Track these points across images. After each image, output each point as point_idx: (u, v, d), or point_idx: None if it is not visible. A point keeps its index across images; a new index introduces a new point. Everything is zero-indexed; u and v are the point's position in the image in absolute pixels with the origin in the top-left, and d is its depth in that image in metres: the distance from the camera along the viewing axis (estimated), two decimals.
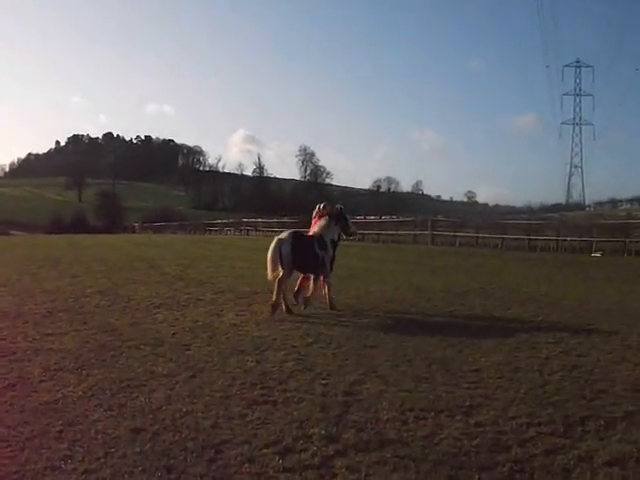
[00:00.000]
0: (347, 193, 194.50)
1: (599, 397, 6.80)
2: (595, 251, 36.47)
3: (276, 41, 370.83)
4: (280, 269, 12.21)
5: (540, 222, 49.36)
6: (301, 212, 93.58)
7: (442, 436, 5.57)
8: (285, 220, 73.17)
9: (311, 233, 13.18)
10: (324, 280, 13.03)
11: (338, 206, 13.70)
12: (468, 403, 6.52)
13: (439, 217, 61.35)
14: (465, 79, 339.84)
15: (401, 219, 61.60)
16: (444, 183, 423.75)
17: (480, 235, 46.68)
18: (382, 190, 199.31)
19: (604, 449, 5.30)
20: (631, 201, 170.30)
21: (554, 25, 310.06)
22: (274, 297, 12.07)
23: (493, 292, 15.88)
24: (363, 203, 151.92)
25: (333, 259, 13.02)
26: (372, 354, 8.79)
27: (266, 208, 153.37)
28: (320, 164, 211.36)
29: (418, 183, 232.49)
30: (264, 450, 5.21)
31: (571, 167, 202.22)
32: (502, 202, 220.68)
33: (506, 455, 5.16)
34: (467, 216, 69.15)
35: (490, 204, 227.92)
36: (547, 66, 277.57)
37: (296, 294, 13.31)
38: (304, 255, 12.40)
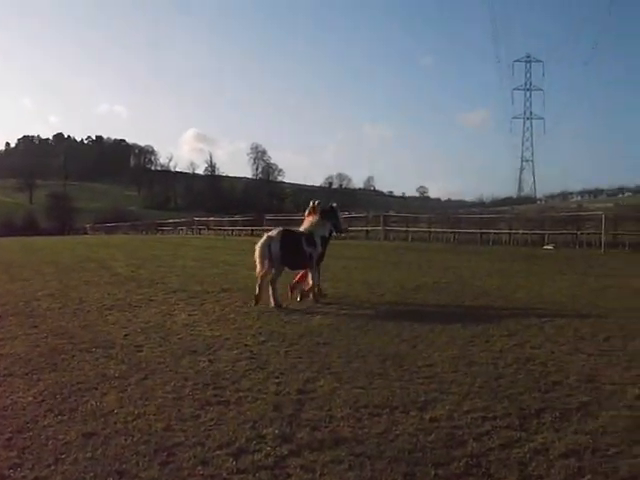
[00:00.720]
0: (299, 190, 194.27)
1: (554, 389, 6.87)
2: (547, 244, 36.89)
3: (225, 39, 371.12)
4: (269, 267, 12.60)
5: (492, 216, 49.70)
6: (253, 210, 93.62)
7: (397, 432, 5.56)
8: (237, 218, 72.79)
9: (301, 230, 13.47)
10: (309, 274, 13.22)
11: (330, 204, 14.22)
12: (423, 398, 6.53)
13: (391, 212, 61.44)
14: (417, 75, 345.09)
15: (353, 215, 61.52)
16: (396, 179, 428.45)
17: (433, 230, 46.97)
18: (334, 187, 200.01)
19: (560, 441, 5.34)
20: (582, 193, 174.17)
21: (505, 20, 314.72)
22: (257, 291, 12.60)
23: (446, 287, 15.96)
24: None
25: (323, 255, 13.43)
26: (325, 351, 8.77)
27: (219, 206, 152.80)
28: (272, 162, 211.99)
29: (370, 179, 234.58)
30: (217, 452, 5.16)
31: (522, 161, 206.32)
32: (454, 197, 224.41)
33: (462, 450, 5.17)
34: (420, 211, 69.29)
35: (442, 199, 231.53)
36: (498, 61, 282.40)
37: (292, 287, 13.58)
38: (293, 252, 12.73)
